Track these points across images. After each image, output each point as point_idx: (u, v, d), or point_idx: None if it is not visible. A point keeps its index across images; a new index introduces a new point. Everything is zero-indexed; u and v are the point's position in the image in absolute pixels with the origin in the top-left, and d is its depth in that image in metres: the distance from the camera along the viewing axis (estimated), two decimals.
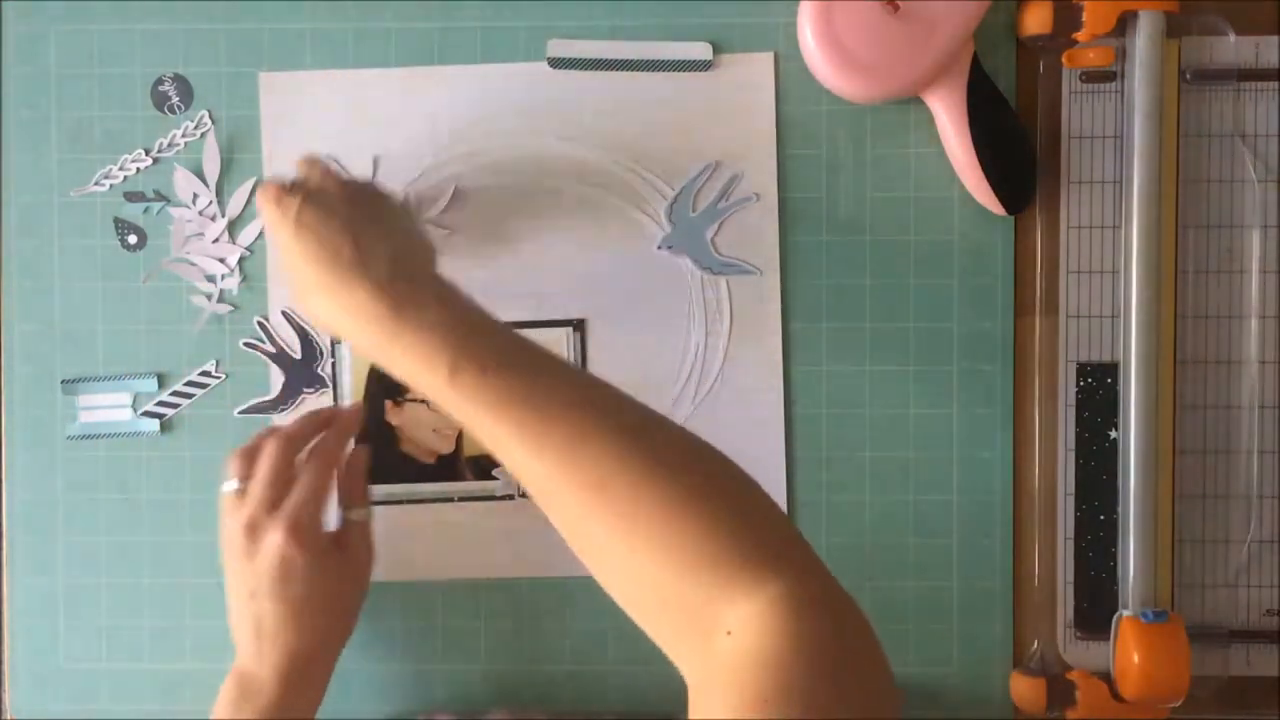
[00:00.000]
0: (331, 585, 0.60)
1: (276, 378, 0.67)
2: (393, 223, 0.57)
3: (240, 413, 0.67)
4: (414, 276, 0.55)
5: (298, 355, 0.66)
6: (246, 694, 0.59)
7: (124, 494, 0.67)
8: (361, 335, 0.54)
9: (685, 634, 0.46)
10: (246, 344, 0.66)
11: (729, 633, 0.45)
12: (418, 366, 0.52)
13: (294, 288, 0.57)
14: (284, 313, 0.66)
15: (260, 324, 0.66)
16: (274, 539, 0.58)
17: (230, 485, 0.60)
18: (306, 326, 0.66)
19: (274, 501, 0.59)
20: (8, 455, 0.67)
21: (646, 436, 0.50)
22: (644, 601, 0.48)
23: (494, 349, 0.52)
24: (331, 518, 0.61)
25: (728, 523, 0.47)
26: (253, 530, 0.58)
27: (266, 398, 0.67)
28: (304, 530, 0.58)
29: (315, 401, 0.66)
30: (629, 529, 0.47)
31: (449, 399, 0.51)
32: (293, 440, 0.60)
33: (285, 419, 0.66)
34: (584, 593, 0.67)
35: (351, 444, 0.63)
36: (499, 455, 0.51)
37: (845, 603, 0.46)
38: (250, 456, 0.60)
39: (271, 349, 0.66)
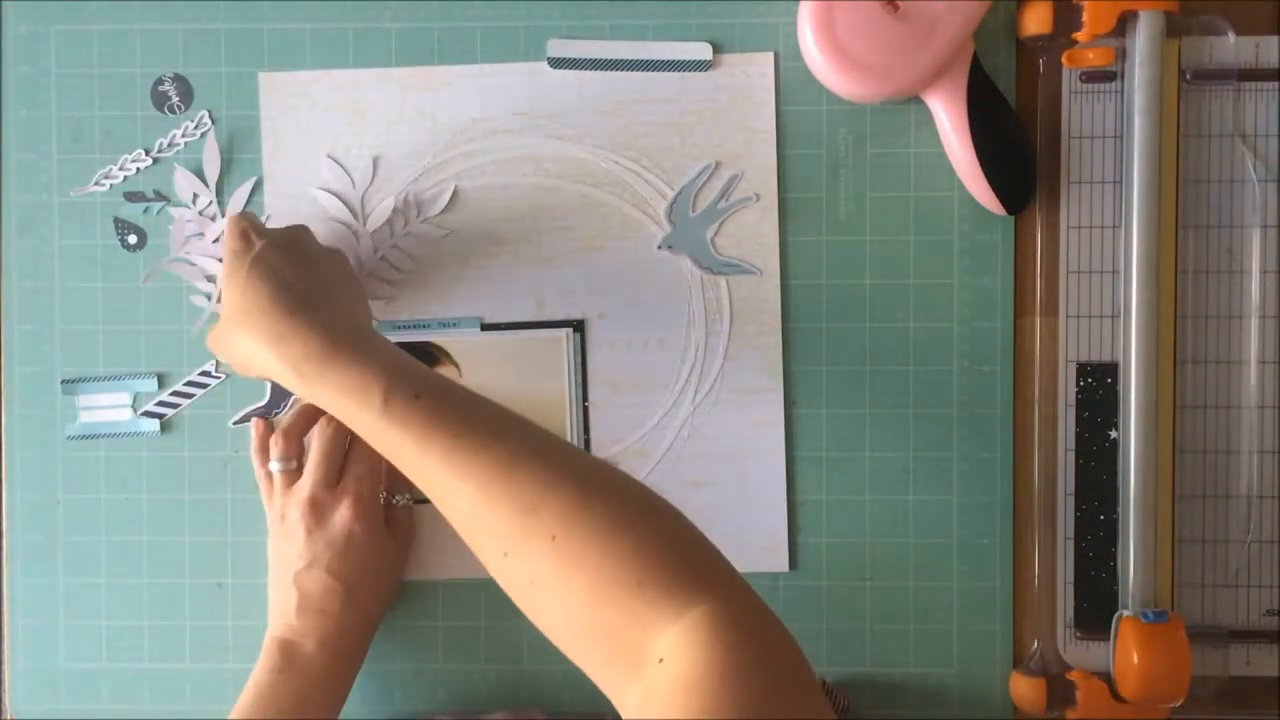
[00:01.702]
0: (379, 563, 0.62)
1: (265, 383, 0.67)
2: (333, 272, 0.60)
3: (235, 423, 0.67)
4: (353, 320, 0.58)
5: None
6: (292, 662, 0.60)
7: (124, 494, 0.67)
8: (288, 366, 0.55)
9: (616, 662, 0.47)
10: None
11: (660, 660, 0.45)
12: (350, 395, 0.53)
13: (222, 327, 0.58)
14: None
15: None
16: (342, 514, 0.61)
17: (278, 464, 0.63)
18: None
19: (333, 478, 0.61)
20: (8, 455, 0.67)
21: (574, 464, 0.50)
22: (573, 631, 0.48)
23: (424, 379, 0.54)
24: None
25: (655, 547, 0.47)
26: (316, 506, 0.61)
27: (259, 404, 0.67)
28: (366, 506, 0.61)
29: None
30: (560, 555, 0.47)
31: (378, 426, 0.53)
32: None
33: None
34: None
35: None
36: (422, 483, 0.52)
37: (772, 622, 0.47)
38: (293, 436, 0.63)
39: None
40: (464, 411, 0.52)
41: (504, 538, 0.49)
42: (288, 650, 0.61)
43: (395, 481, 0.65)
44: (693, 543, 0.49)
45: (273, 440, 0.63)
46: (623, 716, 0.47)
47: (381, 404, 0.52)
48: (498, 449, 0.50)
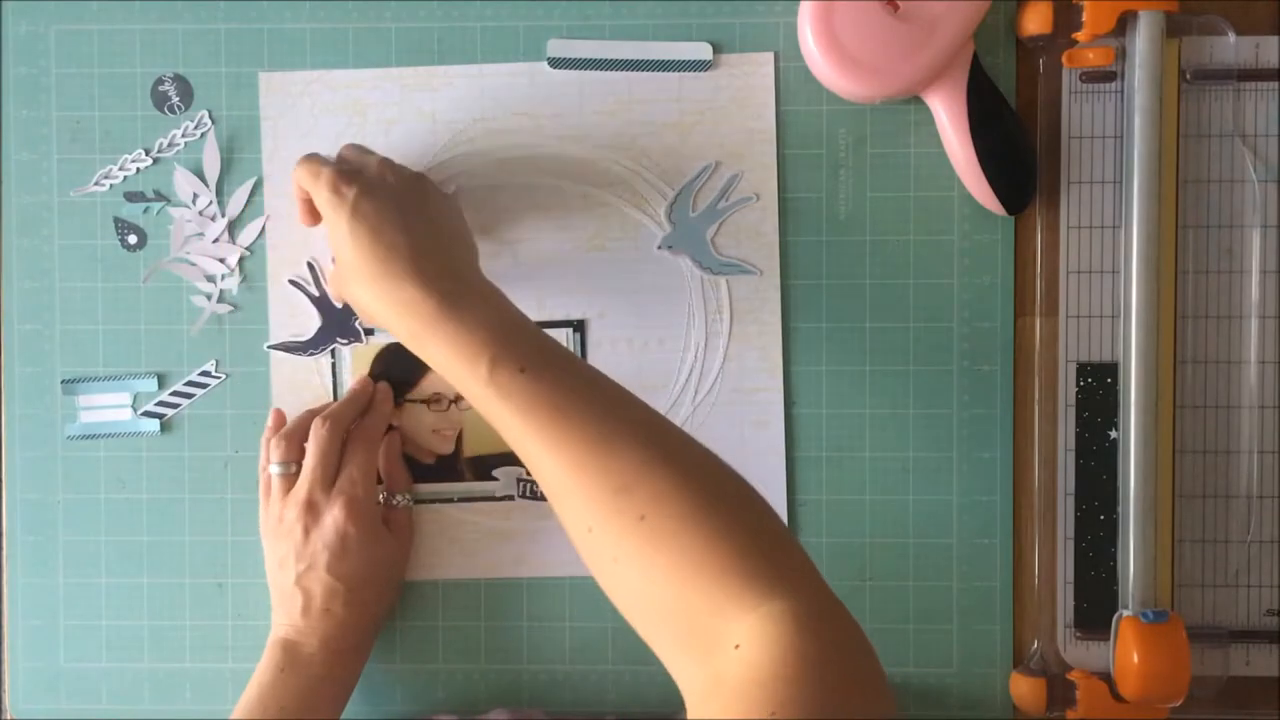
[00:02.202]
0: (379, 563, 0.62)
1: (314, 321, 0.66)
2: (443, 220, 0.59)
3: (270, 347, 0.66)
4: (460, 274, 0.56)
5: (340, 304, 0.66)
6: (294, 662, 0.61)
7: (124, 494, 0.67)
8: (402, 326, 0.55)
9: (688, 644, 0.47)
10: (291, 281, 0.66)
11: (737, 646, 0.45)
12: (457, 360, 0.53)
13: (340, 274, 0.58)
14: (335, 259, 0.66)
15: (310, 265, 0.66)
16: (334, 515, 0.61)
17: (277, 468, 0.63)
18: None
19: (329, 480, 0.62)
20: (8, 455, 0.67)
21: (669, 445, 0.50)
22: (648, 609, 0.48)
23: (531, 350, 0.53)
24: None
25: (739, 536, 0.47)
26: (312, 507, 0.61)
27: (302, 337, 0.66)
28: (360, 506, 0.61)
29: (346, 351, 0.66)
30: (646, 535, 0.48)
31: (483, 394, 0.52)
32: (339, 422, 0.63)
33: (318, 362, 0.66)
34: (584, 593, 0.67)
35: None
36: (521, 452, 0.52)
37: (847, 619, 0.47)
38: (294, 440, 0.63)
39: (315, 292, 0.66)
40: (566, 385, 0.52)
41: (592, 514, 0.49)
42: (290, 650, 0.61)
43: (395, 482, 0.65)
44: (778, 536, 0.49)
45: (273, 443, 0.63)
46: (686, 698, 0.47)
47: (487, 374, 0.52)
48: (596, 427, 0.50)
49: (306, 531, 0.61)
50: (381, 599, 0.64)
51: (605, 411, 0.51)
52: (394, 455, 0.66)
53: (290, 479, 0.63)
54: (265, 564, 0.64)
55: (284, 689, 0.60)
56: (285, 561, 0.62)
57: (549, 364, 0.53)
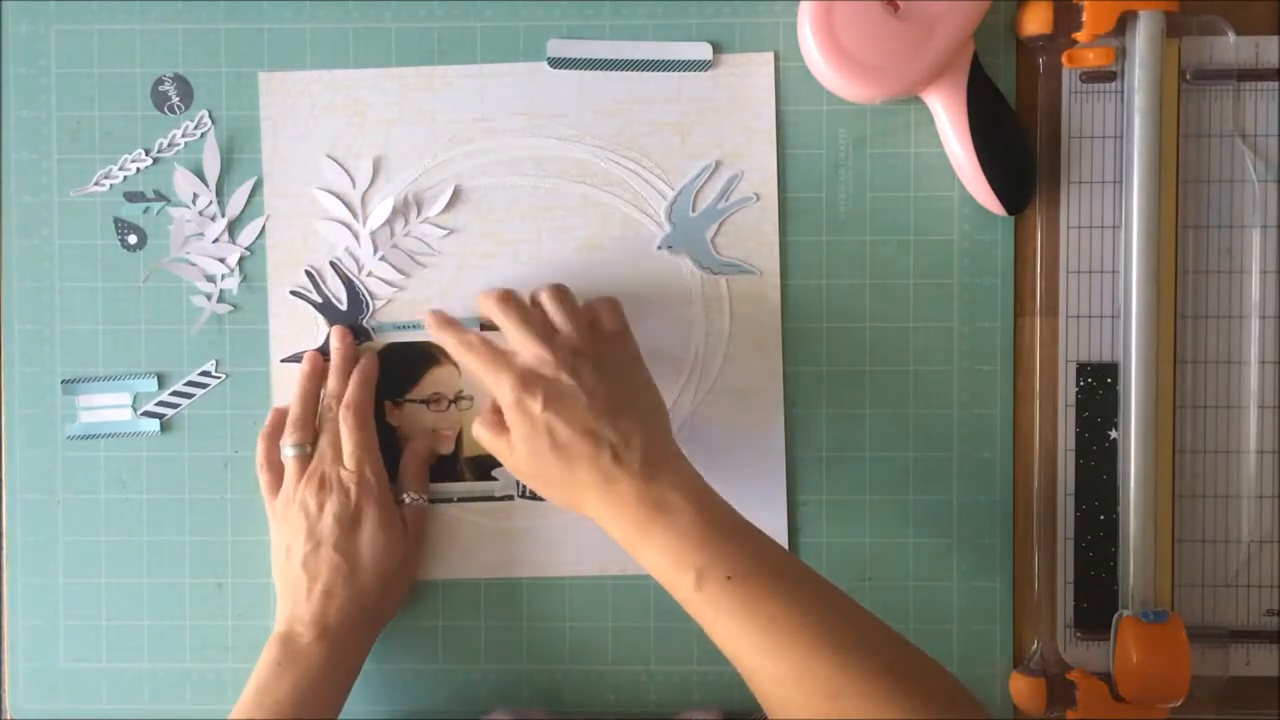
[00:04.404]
0: (386, 548, 0.63)
1: (319, 326, 0.66)
2: (635, 390, 0.60)
3: (283, 360, 0.66)
4: (664, 458, 0.57)
5: (344, 307, 0.66)
6: (291, 656, 0.61)
7: (124, 494, 0.67)
8: (617, 526, 0.57)
9: None
10: (293, 292, 0.66)
11: None
12: (666, 566, 0.55)
13: (552, 487, 0.58)
14: (332, 263, 0.66)
15: (309, 273, 0.66)
16: (348, 488, 0.62)
17: (293, 450, 0.64)
18: (354, 278, 0.66)
19: (339, 457, 0.63)
20: (8, 455, 0.67)
21: (879, 648, 0.51)
22: None
23: (739, 555, 0.54)
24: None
25: None
26: (322, 482, 0.62)
27: (310, 347, 0.66)
28: (367, 478, 0.62)
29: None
30: None
31: (691, 600, 0.54)
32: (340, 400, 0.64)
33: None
34: (584, 593, 0.67)
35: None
36: (732, 656, 0.53)
37: None
38: (306, 423, 0.64)
39: (318, 298, 0.66)
40: (775, 591, 0.53)
41: (807, 716, 0.50)
42: (288, 643, 0.61)
43: (407, 479, 0.65)
44: None
45: (286, 428, 0.64)
46: None
47: (694, 584, 0.54)
48: (804, 635, 0.51)
49: (321, 506, 0.62)
50: (385, 590, 0.63)
51: (814, 616, 0.52)
52: (419, 458, 0.66)
53: (305, 459, 0.63)
54: (271, 559, 0.64)
55: (280, 684, 0.60)
56: (293, 547, 0.62)
57: (754, 572, 0.53)
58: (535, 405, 0.57)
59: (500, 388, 0.58)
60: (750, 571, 0.53)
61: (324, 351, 0.66)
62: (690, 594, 0.54)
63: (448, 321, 0.63)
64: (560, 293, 0.62)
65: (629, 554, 0.56)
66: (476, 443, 0.62)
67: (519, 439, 0.58)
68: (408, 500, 0.65)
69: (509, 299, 0.61)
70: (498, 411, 0.60)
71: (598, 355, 0.59)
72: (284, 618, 0.62)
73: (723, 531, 0.55)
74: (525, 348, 0.59)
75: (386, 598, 0.64)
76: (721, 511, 0.56)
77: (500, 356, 0.59)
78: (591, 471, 0.56)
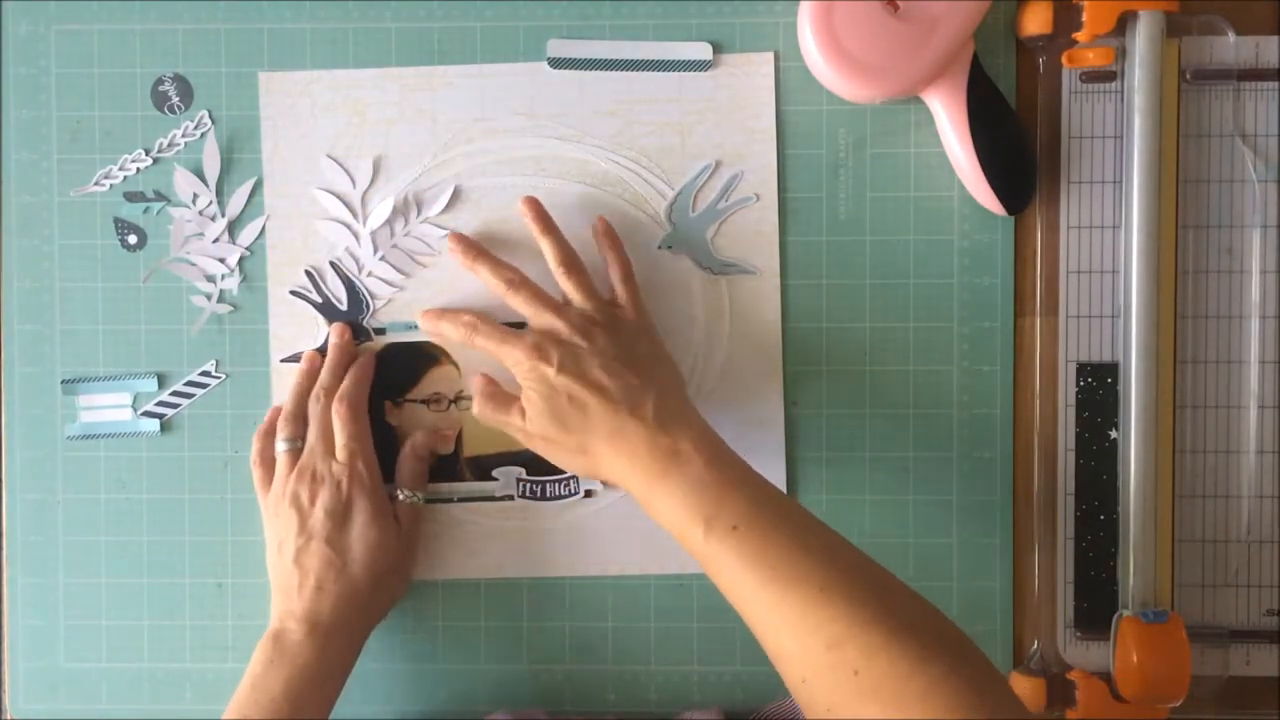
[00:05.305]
0: (378, 543, 0.62)
1: (319, 326, 0.66)
2: (648, 352, 0.61)
3: (283, 361, 0.66)
4: (678, 410, 0.58)
5: (344, 307, 0.66)
6: (283, 652, 0.60)
7: (124, 494, 0.67)
8: (630, 477, 0.57)
9: None
10: (293, 292, 0.66)
11: None
12: (676, 515, 0.55)
13: (565, 449, 0.59)
14: (332, 263, 0.66)
15: (309, 273, 0.66)
16: (339, 481, 0.62)
17: (284, 444, 0.64)
18: (354, 278, 0.66)
19: (330, 451, 0.63)
20: (8, 455, 0.67)
21: (882, 598, 0.51)
22: None
23: (745, 505, 0.54)
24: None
25: (950, 689, 0.48)
26: (314, 476, 0.62)
27: (310, 347, 0.66)
28: (358, 470, 0.62)
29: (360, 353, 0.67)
30: (860, 688, 0.49)
31: (699, 549, 0.55)
32: (333, 395, 0.64)
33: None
34: (584, 593, 0.67)
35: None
36: (737, 605, 0.54)
37: None
38: (298, 418, 0.64)
39: (318, 299, 0.66)
40: (778, 542, 0.53)
41: (807, 666, 0.51)
42: (279, 640, 0.61)
43: (403, 477, 0.65)
44: (990, 687, 0.50)
45: (279, 422, 0.64)
46: None
47: (703, 533, 0.54)
48: (808, 584, 0.51)
49: (312, 500, 0.62)
50: (377, 585, 0.63)
51: (815, 565, 0.52)
52: (418, 456, 0.66)
53: (296, 454, 0.64)
54: (266, 555, 0.64)
55: (272, 680, 0.60)
56: (285, 543, 0.62)
57: (761, 521, 0.54)
58: (550, 369, 0.58)
59: (513, 358, 0.59)
60: (756, 521, 0.54)
61: (323, 351, 0.66)
62: (698, 542, 0.54)
63: (441, 312, 0.63)
64: (571, 267, 0.62)
65: (643, 508, 0.57)
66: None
67: (533, 404, 0.58)
68: (402, 497, 0.65)
69: (516, 278, 0.62)
70: (494, 384, 0.62)
71: (610, 321, 0.61)
72: (277, 614, 0.62)
73: (732, 482, 0.55)
74: (538, 318, 0.60)
75: (379, 593, 0.63)
76: (732, 462, 0.57)
77: (508, 330, 0.61)
78: (605, 423, 0.57)
